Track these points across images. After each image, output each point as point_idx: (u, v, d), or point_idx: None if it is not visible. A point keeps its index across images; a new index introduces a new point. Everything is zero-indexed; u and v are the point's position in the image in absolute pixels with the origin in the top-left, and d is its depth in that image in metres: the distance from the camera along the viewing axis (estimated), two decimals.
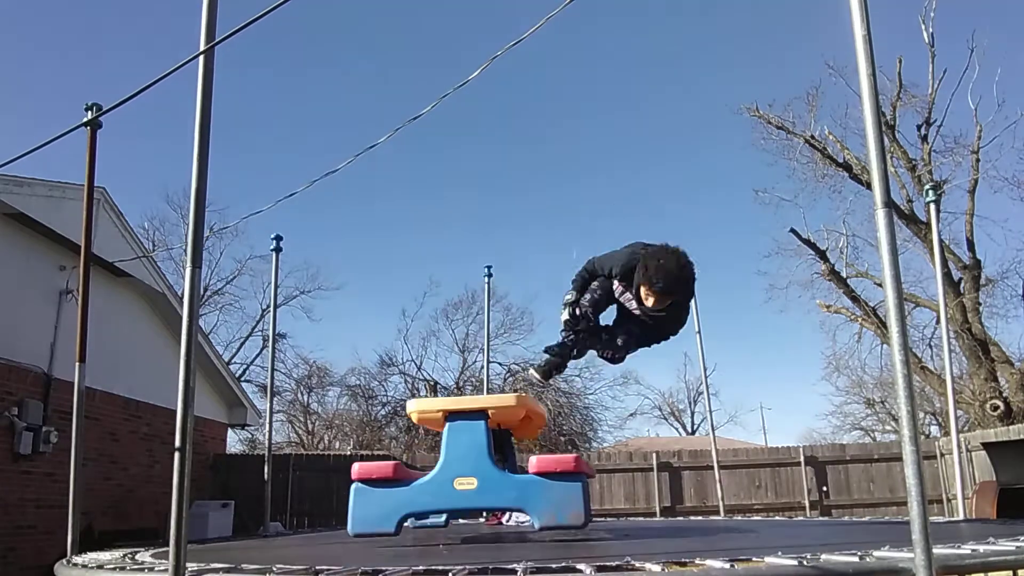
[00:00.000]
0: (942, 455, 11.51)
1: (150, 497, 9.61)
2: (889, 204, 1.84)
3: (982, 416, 13.88)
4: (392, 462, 3.44)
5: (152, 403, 9.93)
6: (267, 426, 8.37)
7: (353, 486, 3.38)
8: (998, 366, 14.37)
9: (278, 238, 7.36)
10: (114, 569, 2.80)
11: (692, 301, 3.83)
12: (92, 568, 3.01)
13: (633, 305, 3.61)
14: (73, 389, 4.66)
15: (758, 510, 11.30)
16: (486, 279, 8.88)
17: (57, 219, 7.88)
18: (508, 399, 3.68)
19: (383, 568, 2.04)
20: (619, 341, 3.69)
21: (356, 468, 3.42)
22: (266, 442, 8.00)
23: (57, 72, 31.69)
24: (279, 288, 8.04)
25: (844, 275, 16.34)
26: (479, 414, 3.50)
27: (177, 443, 1.95)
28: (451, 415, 3.52)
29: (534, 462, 3.34)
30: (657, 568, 1.93)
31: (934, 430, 22.02)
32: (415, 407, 3.72)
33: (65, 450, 5.18)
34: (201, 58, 2.46)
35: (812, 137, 16.18)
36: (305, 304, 24.48)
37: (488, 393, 10.42)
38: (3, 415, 7.39)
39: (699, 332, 7.69)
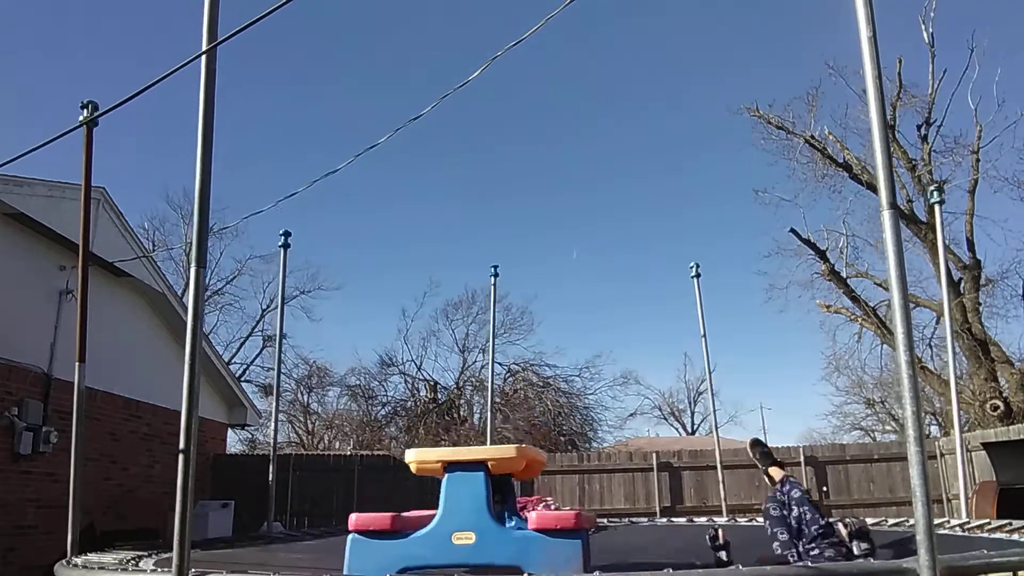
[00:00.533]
0: (942, 455, 11.50)
1: (150, 497, 9.60)
2: (895, 205, 1.83)
3: (982, 416, 13.86)
4: (390, 514, 3.41)
5: (152, 403, 9.91)
6: (272, 424, 8.37)
7: (350, 537, 3.36)
8: (998, 366, 14.36)
9: (287, 234, 7.35)
10: (114, 570, 2.80)
11: None
12: (92, 568, 3.00)
13: None
14: (73, 389, 4.66)
15: (758, 510, 11.28)
16: (492, 279, 8.82)
17: (57, 219, 7.87)
18: (509, 451, 3.63)
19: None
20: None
21: (353, 519, 3.40)
22: (271, 442, 7.99)
23: (57, 73, 31.67)
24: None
25: (844, 275, 16.33)
26: (478, 465, 3.47)
27: (182, 445, 1.94)
28: (450, 466, 3.49)
29: (534, 518, 3.31)
30: (657, 569, 1.93)
31: (934, 430, 22.02)
32: (414, 457, 3.69)
33: (65, 450, 5.17)
34: (203, 58, 2.45)
35: (812, 137, 16.17)
36: (305, 304, 24.47)
37: (489, 393, 10.45)
38: (3, 415, 7.38)
39: (704, 336, 7.67)
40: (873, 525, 5.76)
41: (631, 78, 35.81)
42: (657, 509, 11.58)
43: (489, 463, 3.50)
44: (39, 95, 31.44)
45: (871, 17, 1.94)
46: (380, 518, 3.38)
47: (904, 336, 1.74)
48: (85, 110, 4.90)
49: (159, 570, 2.64)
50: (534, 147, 36.38)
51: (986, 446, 9.27)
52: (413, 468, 3.73)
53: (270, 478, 7.24)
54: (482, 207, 38.08)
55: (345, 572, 3.32)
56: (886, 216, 1.79)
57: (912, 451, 1.72)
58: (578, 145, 36.27)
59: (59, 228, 7.90)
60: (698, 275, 7.84)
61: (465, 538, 3.29)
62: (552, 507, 6.62)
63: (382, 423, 21.86)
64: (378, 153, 5.11)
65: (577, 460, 12.50)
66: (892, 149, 15.26)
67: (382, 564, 3.26)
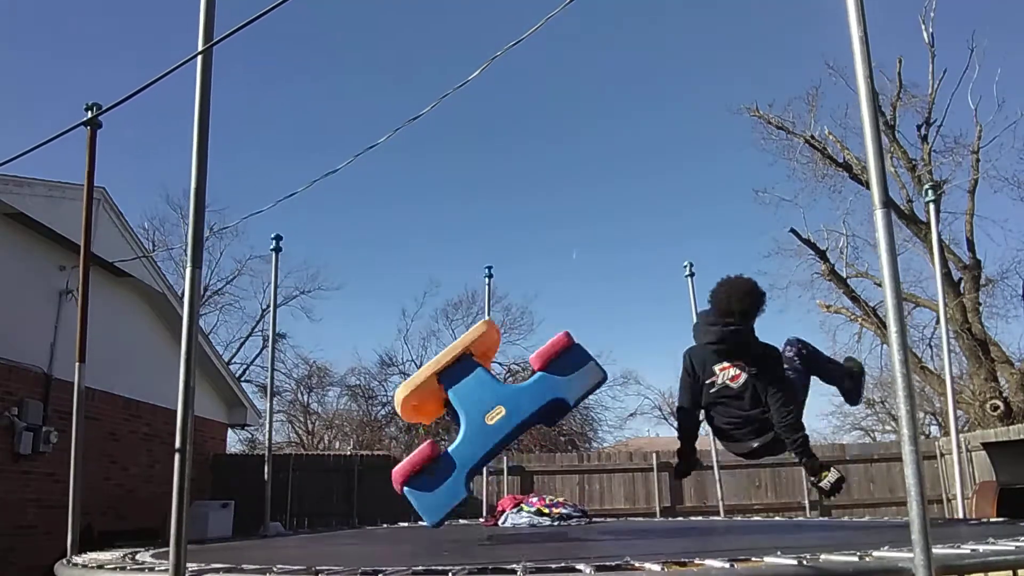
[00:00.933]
0: (942, 455, 11.51)
1: (150, 497, 9.61)
2: (888, 204, 1.84)
3: (982, 416, 13.87)
4: (426, 442, 3.42)
5: (152, 403, 9.93)
6: (267, 426, 8.37)
7: (406, 491, 3.35)
8: (998, 366, 14.36)
9: (278, 238, 7.35)
10: (114, 569, 2.80)
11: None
12: (92, 568, 3.01)
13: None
14: (73, 389, 4.66)
15: (758, 510, 11.29)
16: (487, 279, 8.87)
17: (57, 219, 7.88)
18: (480, 328, 3.73)
19: (383, 568, 2.04)
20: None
21: (396, 474, 3.35)
22: (266, 442, 8.00)
23: (57, 71, 31.70)
24: (279, 288, 8.03)
25: (844, 275, 16.34)
26: (465, 360, 3.58)
27: (177, 444, 1.95)
28: (443, 376, 3.55)
29: (535, 356, 3.50)
30: (657, 568, 1.93)
31: (934, 430, 22.01)
32: (403, 390, 3.61)
33: (65, 450, 5.17)
34: (199, 58, 2.46)
35: (812, 137, 16.18)
36: (305, 304, 24.47)
37: None
38: (3, 415, 7.39)
39: None
40: (871, 523, 5.77)
41: (630, 78, 35.82)
42: (657, 509, 11.58)
43: (471, 349, 3.61)
44: (39, 94, 31.49)
45: (862, 17, 1.94)
46: (419, 453, 3.38)
47: (898, 336, 1.75)
48: (89, 111, 4.92)
49: (157, 565, 2.65)
50: (534, 148, 36.40)
51: (986, 446, 9.28)
52: (412, 402, 3.65)
53: (266, 477, 7.25)
54: (482, 207, 38.10)
55: (423, 515, 3.30)
56: (878, 215, 1.80)
57: (907, 450, 1.73)
58: (577, 145, 36.28)
59: (59, 228, 7.91)
60: (692, 274, 7.86)
61: (497, 414, 3.37)
62: (558, 502, 6.63)
63: (382, 423, 21.88)
64: (378, 152, 5.11)
65: (577, 460, 12.51)
66: (892, 149, 15.28)
67: (450, 489, 3.28)
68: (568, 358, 3.49)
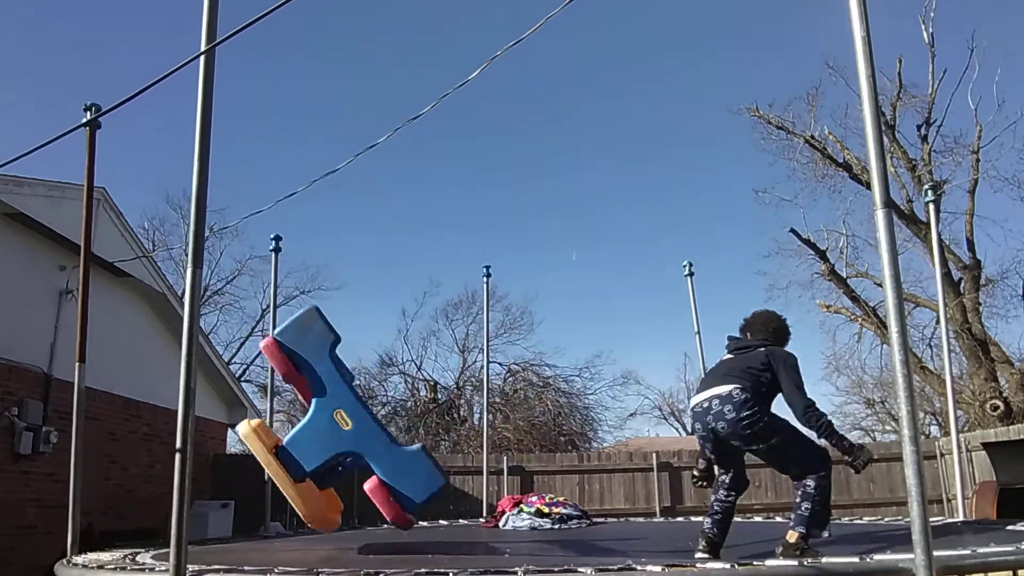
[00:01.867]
0: (942, 455, 11.50)
1: (150, 497, 9.60)
2: (889, 204, 1.84)
3: (982, 416, 13.87)
4: (369, 488, 3.82)
5: (152, 403, 9.92)
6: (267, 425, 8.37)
7: (414, 512, 3.83)
8: (998, 366, 14.36)
9: (277, 238, 7.37)
10: (114, 569, 2.80)
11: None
12: (92, 568, 3.01)
13: None
14: (73, 389, 4.66)
15: (758, 510, 11.27)
16: (485, 279, 8.90)
17: (57, 219, 7.87)
18: (253, 432, 4.16)
19: (383, 570, 2.04)
20: None
21: (398, 521, 3.78)
22: None
23: (58, 70, 31.69)
24: (279, 288, 8.05)
25: (844, 275, 16.33)
26: (281, 452, 4.05)
27: (179, 444, 1.95)
28: (297, 477, 4.05)
29: (285, 375, 4.07)
30: (657, 568, 1.93)
31: (934, 430, 22.02)
32: (310, 513, 4.17)
33: (65, 450, 5.18)
34: (202, 59, 2.46)
35: (812, 137, 16.17)
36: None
37: (484, 394, 10.66)
38: (3, 415, 7.38)
39: (698, 334, 7.70)
40: (871, 524, 5.77)
41: (630, 78, 35.85)
42: (657, 509, 11.57)
43: (271, 444, 4.10)
44: (39, 94, 31.47)
45: (865, 17, 1.94)
46: (380, 499, 3.79)
47: (899, 336, 1.75)
48: (88, 112, 4.92)
49: (158, 566, 2.65)
50: (536, 147, 36.42)
51: (986, 446, 9.27)
52: (319, 507, 4.15)
53: (266, 477, 7.24)
54: (483, 208, 38.14)
55: (439, 485, 3.82)
56: (879, 216, 1.80)
57: (907, 450, 1.73)
58: (580, 145, 36.29)
59: (59, 228, 7.90)
60: (691, 274, 7.89)
61: (340, 417, 3.92)
62: (558, 502, 6.65)
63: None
64: (379, 152, 5.12)
65: (577, 460, 12.50)
66: (892, 149, 15.28)
67: (417, 468, 3.82)
68: (293, 345, 3.97)
